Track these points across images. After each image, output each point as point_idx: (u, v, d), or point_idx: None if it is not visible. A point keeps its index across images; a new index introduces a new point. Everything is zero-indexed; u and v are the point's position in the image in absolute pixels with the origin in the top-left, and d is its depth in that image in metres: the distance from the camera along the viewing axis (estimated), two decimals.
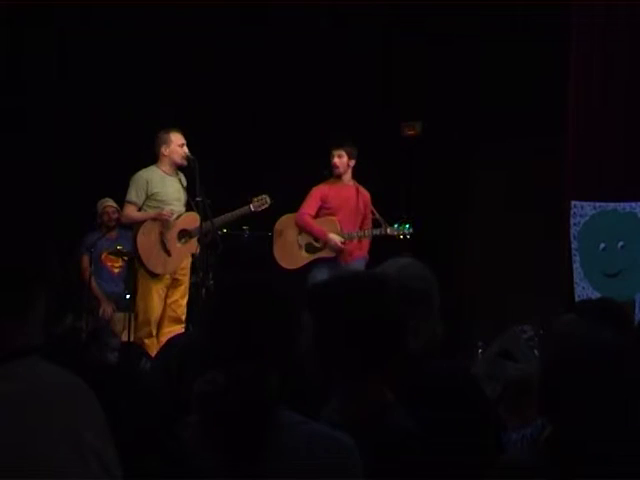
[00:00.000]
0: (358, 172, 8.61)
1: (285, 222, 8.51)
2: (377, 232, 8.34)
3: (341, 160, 8.39)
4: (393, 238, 8.30)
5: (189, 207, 7.82)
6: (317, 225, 8.38)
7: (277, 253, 8.47)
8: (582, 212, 7.95)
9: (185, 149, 7.79)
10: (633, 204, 7.76)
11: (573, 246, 7.99)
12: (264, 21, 9.46)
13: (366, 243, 8.42)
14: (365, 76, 9.40)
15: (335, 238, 8.28)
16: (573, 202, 7.98)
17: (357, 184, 8.49)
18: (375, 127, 9.14)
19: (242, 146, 9.23)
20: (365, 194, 8.50)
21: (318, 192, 8.43)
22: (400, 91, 9.30)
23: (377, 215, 8.44)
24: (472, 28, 9.04)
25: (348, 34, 9.29)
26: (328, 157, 8.42)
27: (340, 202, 8.38)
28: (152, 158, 7.88)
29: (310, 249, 8.42)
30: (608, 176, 7.81)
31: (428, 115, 9.45)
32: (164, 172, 7.81)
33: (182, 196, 7.84)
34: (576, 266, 7.97)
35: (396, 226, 8.27)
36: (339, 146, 8.39)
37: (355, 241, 8.39)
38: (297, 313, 2.45)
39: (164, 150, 7.80)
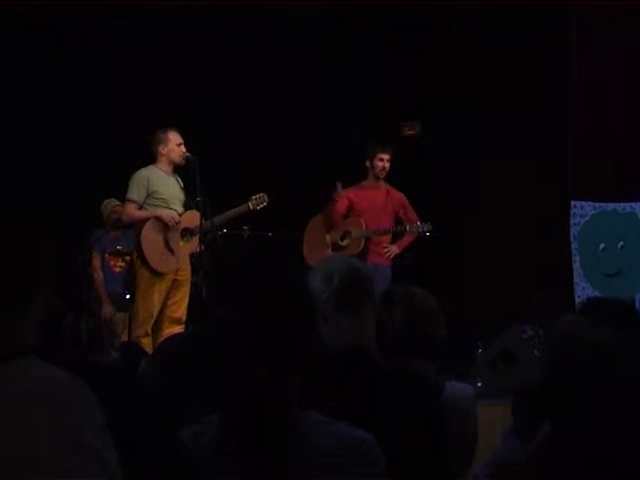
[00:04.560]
0: (358, 172, 8.61)
1: (315, 222, 8.69)
2: (397, 229, 8.50)
3: (388, 163, 8.47)
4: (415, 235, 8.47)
5: (188, 207, 7.80)
6: (337, 215, 8.52)
7: (305, 251, 8.67)
8: (582, 212, 7.96)
9: (183, 148, 7.76)
10: (633, 204, 7.77)
11: (573, 246, 8.00)
12: (264, 21, 9.46)
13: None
14: (365, 76, 9.39)
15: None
16: (573, 202, 7.99)
17: (388, 186, 8.56)
18: (375, 127, 9.13)
19: (241, 146, 9.23)
20: (397, 196, 8.58)
21: (348, 193, 8.55)
22: (400, 91, 9.29)
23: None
24: (472, 27, 9.05)
25: (348, 34, 9.29)
26: (368, 158, 8.50)
27: (368, 204, 8.49)
28: (151, 158, 7.85)
29: (334, 248, 8.57)
30: (608, 176, 7.82)
31: (428, 115, 9.44)
32: (163, 171, 7.79)
33: (182, 196, 7.84)
34: (576, 266, 7.98)
35: (417, 224, 8.35)
36: (387, 149, 8.48)
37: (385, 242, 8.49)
38: (315, 313, 2.44)
39: (162, 149, 7.76)
